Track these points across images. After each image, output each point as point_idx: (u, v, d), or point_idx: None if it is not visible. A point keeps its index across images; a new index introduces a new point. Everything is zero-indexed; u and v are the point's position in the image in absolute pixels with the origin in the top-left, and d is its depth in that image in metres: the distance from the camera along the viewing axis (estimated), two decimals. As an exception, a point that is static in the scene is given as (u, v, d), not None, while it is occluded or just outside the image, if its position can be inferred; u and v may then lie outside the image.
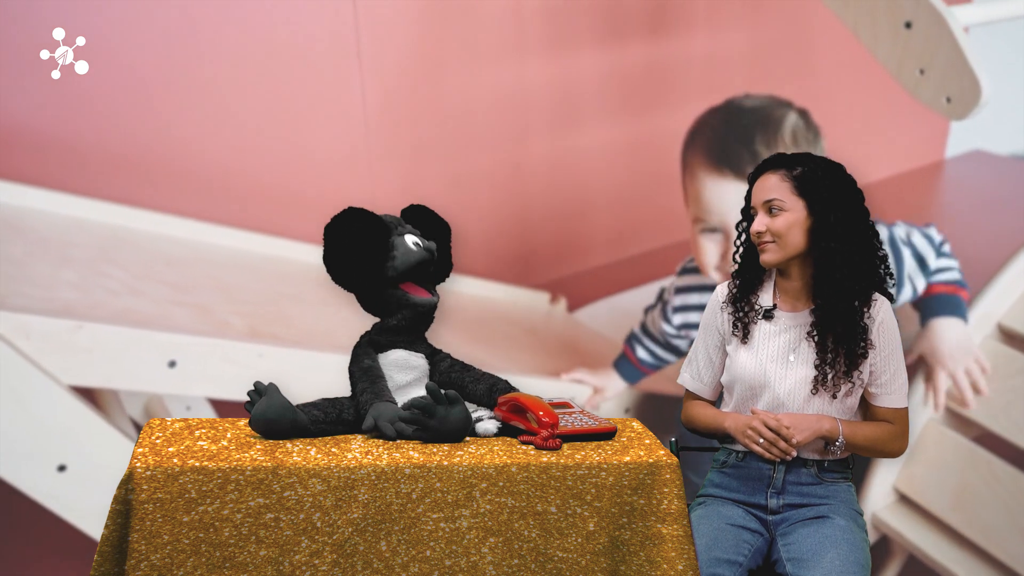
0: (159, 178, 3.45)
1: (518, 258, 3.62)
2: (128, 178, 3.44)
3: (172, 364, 3.53)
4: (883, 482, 3.90)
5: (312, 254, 3.39)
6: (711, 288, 3.83)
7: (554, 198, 3.66)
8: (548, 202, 3.65)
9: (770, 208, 2.36)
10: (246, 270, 3.48)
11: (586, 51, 3.57)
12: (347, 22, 3.46)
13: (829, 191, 2.35)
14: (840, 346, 2.33)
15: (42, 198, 3.43)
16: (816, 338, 2.34)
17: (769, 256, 2.36)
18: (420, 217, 2.42)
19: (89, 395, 3.51)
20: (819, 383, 2.33)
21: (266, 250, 3.50)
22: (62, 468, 3.48)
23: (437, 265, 2.41)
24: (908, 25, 3.47)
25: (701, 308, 3.81)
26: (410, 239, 2.33)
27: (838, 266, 2.32)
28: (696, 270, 3.90)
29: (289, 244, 3.51)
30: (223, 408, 3.60)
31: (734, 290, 2.45)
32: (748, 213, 2.44)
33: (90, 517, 3.48)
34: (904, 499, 3.92)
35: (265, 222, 3.51)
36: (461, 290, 3.47)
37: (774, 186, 2.37)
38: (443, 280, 2.46)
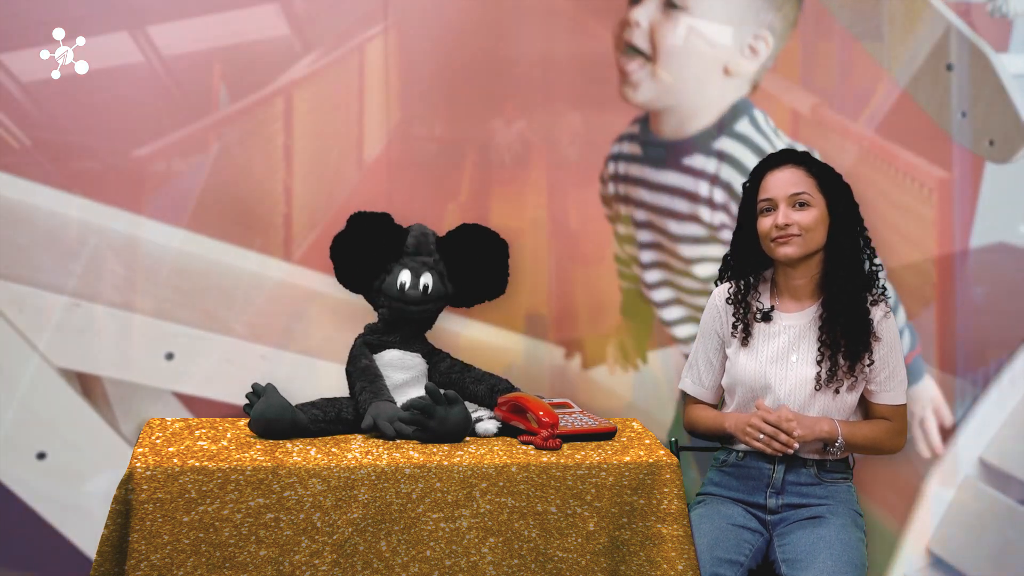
0: (166, 191, 3.42)
1: (534, 311, 3.58)
2: (134, 189, 3.42)
3: (170, 356, 3.46)
4: (916, 544, 3.69)
5: (320, 282, 3.40)
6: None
7: (576, 253, 3.61)
8: (570, 257, 3.60)
9: (797, 202, 2.36)
10: (256, 288, 3.46)
11: (616, 108, 3.54)
12: (376, 58, 3.44)
13: (842, 190, 2.40)
14: (846, 339, 2.34)
15: (52, 197, 3.39)
16: (823, 331, 2.35)
17: (793, 250, 2.36)
18: (466, 245, 2.39)
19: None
20: (822, 379, 2.34)
21: (280, 275, 3.47)
22: (41, 456, 3.38)
23: (459, 299, 2.40)
24: (949, 67, 3.40)
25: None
26: (405, 275, 2.33)
27: (852, 264, 2.36)
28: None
29: (300, 271, 3.47)
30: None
31: (731, 291, 2.45)
32: (752, 211, 2.43)
33: (65, 513, 3.35)
34: (939, 562, 3.71)
35: (276, 247, 3.49)
36: (470, 333, 3.45)
37: (800, 180, 2.38)
38: (469, 305, 2.44)
